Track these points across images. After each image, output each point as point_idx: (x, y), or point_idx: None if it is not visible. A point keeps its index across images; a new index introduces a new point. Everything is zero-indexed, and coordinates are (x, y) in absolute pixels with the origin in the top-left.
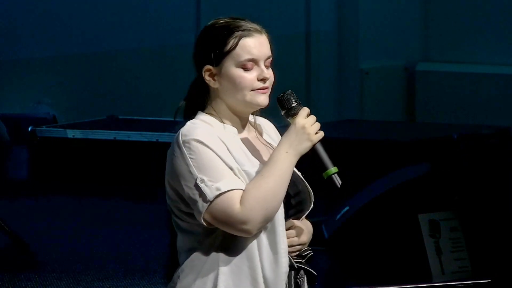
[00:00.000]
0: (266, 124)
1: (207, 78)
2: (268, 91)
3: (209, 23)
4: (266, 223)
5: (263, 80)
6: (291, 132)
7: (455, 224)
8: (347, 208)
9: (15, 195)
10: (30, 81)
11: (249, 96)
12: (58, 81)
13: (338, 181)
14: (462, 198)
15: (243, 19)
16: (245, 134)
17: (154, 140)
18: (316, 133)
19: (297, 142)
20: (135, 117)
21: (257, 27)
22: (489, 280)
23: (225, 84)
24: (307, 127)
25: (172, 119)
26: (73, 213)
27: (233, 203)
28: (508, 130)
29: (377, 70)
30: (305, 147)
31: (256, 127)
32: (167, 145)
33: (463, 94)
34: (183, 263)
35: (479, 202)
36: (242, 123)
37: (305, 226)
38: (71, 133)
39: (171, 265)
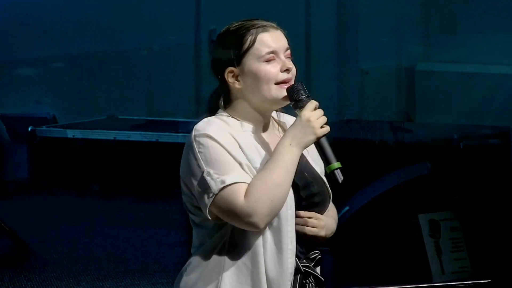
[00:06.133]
0: (291, 122)
1: (230, 80)
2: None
3: (222, 30)
4: (273, 216)
5: (287, 70)
6: (296, 125)
7: (455, 224)
8: (347, 208)
9: (15, 195)
10: (30, 81)
11: (274, 90)
12: (58, 81)
13: (340, 177)
14: (462, 198)
15: (257, 19)
16: (265, 132)
17: (154, 140)
18: (322, 127)
19: (301, 134)
20: (135, 117)
21: (272, 23)
22: (489, 280)
23: (249, 81)
24: (313, 120)
25: (172, 119)
26: (73, 213)
27: (238, 195)
28: (508, 130)
29: (377, 70)
30: (309, 140)
31: (280, 124)
32: (167, 145)
33: (463, 94)
34: (192, 256)
35: (479, 202)
36: (264, 121)
37: (328, 220)
38: (71, 133)
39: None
